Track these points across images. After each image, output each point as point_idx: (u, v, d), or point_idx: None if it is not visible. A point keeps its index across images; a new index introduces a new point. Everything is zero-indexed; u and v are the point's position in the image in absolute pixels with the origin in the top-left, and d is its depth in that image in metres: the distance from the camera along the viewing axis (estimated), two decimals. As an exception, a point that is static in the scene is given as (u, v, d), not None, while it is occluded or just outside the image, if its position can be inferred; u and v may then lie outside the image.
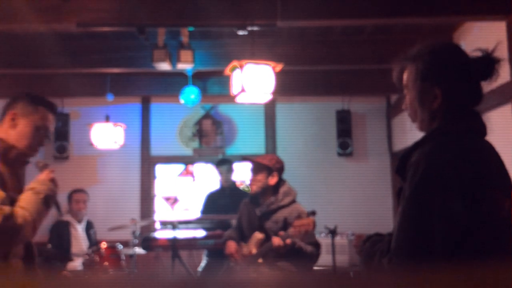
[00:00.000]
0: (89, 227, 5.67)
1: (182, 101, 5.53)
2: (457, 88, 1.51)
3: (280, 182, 3.34)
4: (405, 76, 1.59)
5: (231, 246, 3.37)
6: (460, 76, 1.52)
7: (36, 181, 2.09)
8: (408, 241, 1.39)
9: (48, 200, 2.05)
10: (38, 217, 1.99)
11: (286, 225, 3.16)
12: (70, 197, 5.71)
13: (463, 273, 0.71)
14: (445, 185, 1.38)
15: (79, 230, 5.55)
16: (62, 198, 5.86)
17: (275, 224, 3.19)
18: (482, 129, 1.53)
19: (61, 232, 5.47)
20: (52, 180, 2.12)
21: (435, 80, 1.51)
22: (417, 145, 1.50)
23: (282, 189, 3.30)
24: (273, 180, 3.29)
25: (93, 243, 5.37)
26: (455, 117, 1.50)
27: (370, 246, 1.58)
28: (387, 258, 1.44)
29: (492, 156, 1.50)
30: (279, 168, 3.33)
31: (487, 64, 1.50)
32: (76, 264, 5.09)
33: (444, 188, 1.38)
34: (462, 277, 0.71)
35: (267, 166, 3.29)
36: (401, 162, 1.50)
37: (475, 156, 1.44)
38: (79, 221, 5.60)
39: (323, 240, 5.17)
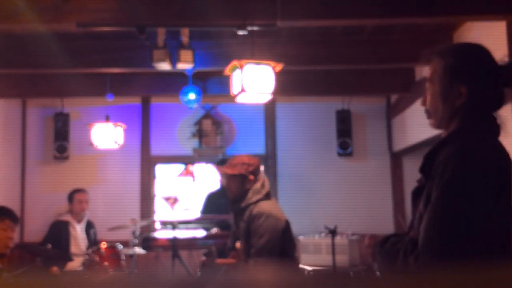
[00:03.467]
0: (89, 227, 5.66)
1: (182, 101, 5.53)
2: (482, 90, 1.53)
3: (254, 180, 3.14)
4: (430, 70, 1.59)
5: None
6: (487, 79, 1.53)
7: None
8: (438, 240, 1.39)
9: None
10: None
11: (249, 223, 3.00)
12: (71, 197, 5.69)
13: (494, 274, 0.69)
14: (476, 183, 1.38)
15: (78, 230, 5.55)
16: (62, 198, 5.88)
17: (243, 223, 3.05)
18: (498, 130, 1.55)
19: (60, 232, 5.46)
20: None
21: (463, 79, 1.52)
22: (442, 143, 1.50)
23: (254, 187, 3.10)
24: (249, 185, 3.11)
25: (93, 243, 5.36)
26: (477, 117, 1.52)
27: (391, 245, 1.56)
28: (413, 256, 1.43)
29: (509, 155, 1.53)
30: (252, 170, 3.13)
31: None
32: (76, 264, 5.09)
33: (475, 186, 1.38)
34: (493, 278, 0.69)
35: (242, 174, 3.12)
36: (427, 161, 1.50)
37: (500, 155, 1.46)
38: (79, 221, 5.60)
39: (323, 240, 5.17)
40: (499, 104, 1.56)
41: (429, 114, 1.60)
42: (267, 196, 3.12)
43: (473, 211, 1.37)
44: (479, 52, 1.58)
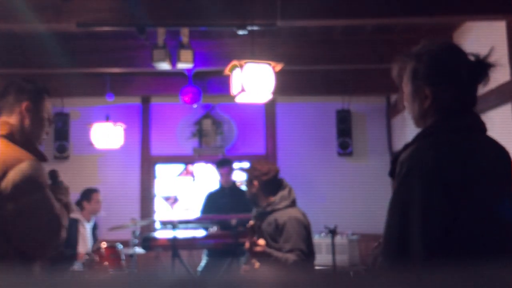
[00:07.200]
0: (95, 226, 5.64)
1: (182, 101, 5.53)
2: (448, 90, 1.53)
3: (279, 185, 3.30)
4: (403, 74, 1.64)
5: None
6: (452, 78, 1.53)
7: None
8: (391, 240, 1.42)
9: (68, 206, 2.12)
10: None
11: (277, 227, 3.13)
12: (90, 196, 5.59)
13: (446, 272, 0.71)
14: (427, 183, 1.39)
15: (87, 229, 5.52)
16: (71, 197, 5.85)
17: (268, 226, 3.17)
18: (475, 127, 1.54)
19: (69, 229, 5.41)
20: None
21: (427, 81, 1.54)
22: (407, 146, 1.52)
23: (281, 193, 3.26)
24: (253, 189, 3.26)
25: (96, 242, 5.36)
26: (444, 117, 1.52)
27: (376, 248, 1.65)
28: (379, 258, 1.49)
29: (486, 153, 1.49)
30: (258, 176, 3.26)
31: (479, 68, 1.52)
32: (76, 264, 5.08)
33: (426, 186, 1.39)
34: (445, 276, 0.70)
35: (248, 176, 3.30)
36: (393, 164, 1.52)
37: (461, 153, 1.44)
38: (89, 220, 5.58)
39: (323, 240, 5.17)
40: (470, 101, 1.55)
41: (409, 114, 1.65)
42: (293, 203, 3.27)
43: (424, 210, 1.37)
44: (445, 53, 1.57)
